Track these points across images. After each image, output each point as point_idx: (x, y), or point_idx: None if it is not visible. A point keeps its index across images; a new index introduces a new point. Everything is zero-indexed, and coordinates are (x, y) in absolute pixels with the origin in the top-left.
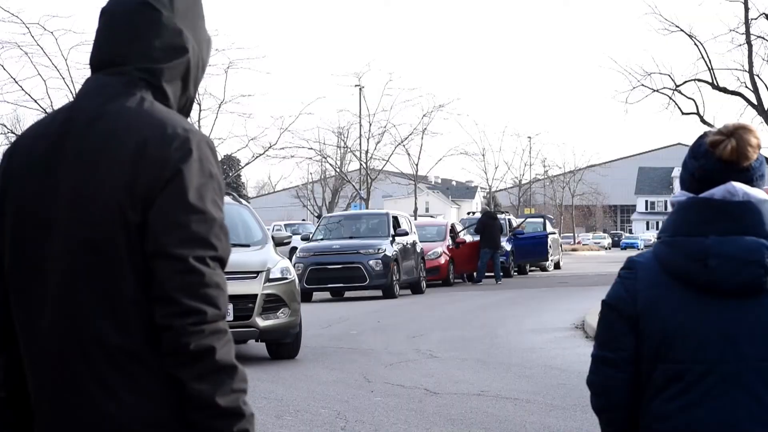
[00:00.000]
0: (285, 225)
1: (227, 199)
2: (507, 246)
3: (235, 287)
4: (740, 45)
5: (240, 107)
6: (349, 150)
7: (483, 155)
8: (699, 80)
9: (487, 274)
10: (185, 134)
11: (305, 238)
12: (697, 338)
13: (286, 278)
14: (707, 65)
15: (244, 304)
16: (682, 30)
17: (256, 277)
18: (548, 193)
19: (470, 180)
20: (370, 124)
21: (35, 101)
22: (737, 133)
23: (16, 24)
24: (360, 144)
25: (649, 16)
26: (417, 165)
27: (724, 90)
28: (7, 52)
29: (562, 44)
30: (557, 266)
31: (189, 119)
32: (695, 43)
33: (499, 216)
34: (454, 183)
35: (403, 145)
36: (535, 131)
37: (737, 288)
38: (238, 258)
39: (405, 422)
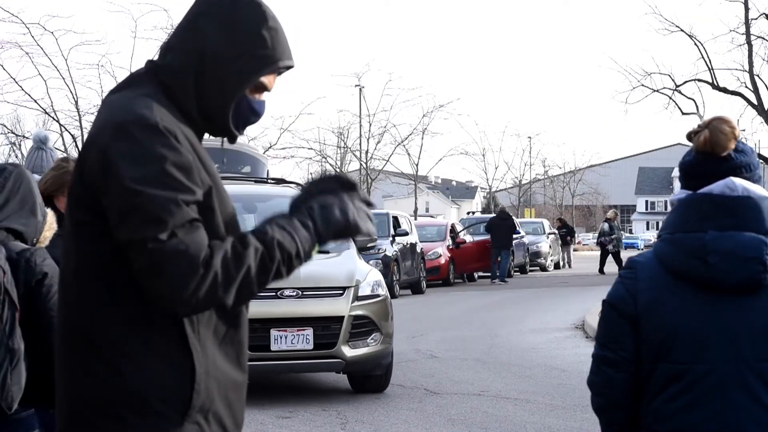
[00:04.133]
0: None
1: (295, 191)
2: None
3: (315, 307)
4: (740, 45)
5: None
6: (349, 150)
7: (483, 155)
8: (699, 80)
9: (482, 273)
10: (123, 118)
11: None
12: (697, 338)
13: (378, 295)
14: (707, 65)
15: (327, 328)
16: (682, 30)
17: (342, 294)
18: (548, 193)
19: (470, 180)
20: (370, 124)
21: (35, 101)
22: (711, 124)
23: (17, 24)
24: (360, 144)
25: (649, 16)
26: (417, 165)
27: (724, 90)
28: (7, 52)
29: (562, 44)
30: (557, 266)
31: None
32: (695, 43)
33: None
34: (454, 183)
35: (403, 145)
36: (535, 131)
37: (737, 284)
38: (316, 269)
39: (405, 422)
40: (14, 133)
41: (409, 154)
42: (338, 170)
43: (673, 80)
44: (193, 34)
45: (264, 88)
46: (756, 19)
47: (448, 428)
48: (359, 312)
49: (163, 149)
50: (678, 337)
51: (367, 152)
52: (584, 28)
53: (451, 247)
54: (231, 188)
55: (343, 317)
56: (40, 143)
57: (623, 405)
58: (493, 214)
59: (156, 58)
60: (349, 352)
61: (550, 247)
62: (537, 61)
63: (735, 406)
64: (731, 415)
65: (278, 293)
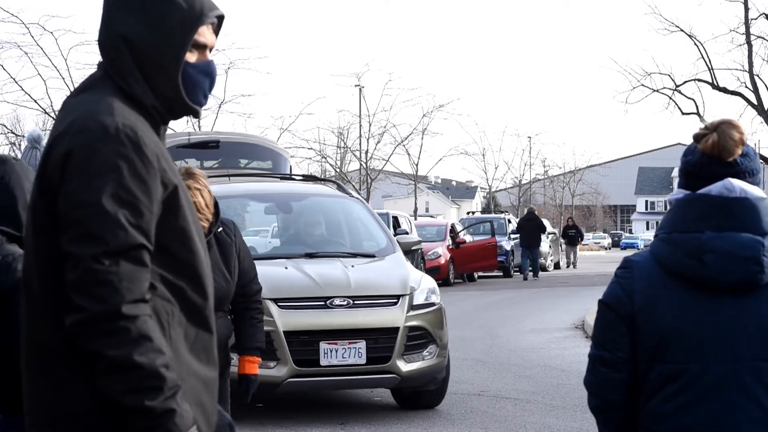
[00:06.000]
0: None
1: (329, 189)
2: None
3: (368, 317)
4: (740, 45)
5: (240, 107)
6: (349, 150)
7: (483, 155)
8: (699, 80)
9: (482, 273)
10: (86, 124)
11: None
12: (693, 338)
13: (433, 303)
14: (707, 65)
15: (380, 341)
16: (682, 30)
17: (396, 303)
18: (548, 193)
19: (470, 180)
20: (370, 124)
21: (35, 101)
22: (720, 128)
23: (16, 24)
24: (360, 144)
25: (649, 16)
26: (417, 165)
27: (724, 90)
28: (7, 52)
29: (562, 44)
30: (557, 266)
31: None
32: (695, 43)
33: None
34: (454, 183)
35: (403, 145)
36: (535, 131)
37: (733, 284)
38: (366, 276)
39: (405, 422)
40: (14, 133)
41: (409, 154)
42: (338, 170)
43: (673, 80)
44: (114, 28)
45: (204, 47)
46: (756, 19)
47: (448, 428)
48: (415, 323)
49: (122, 160)
50: (674, 337)
51: (367, 152)
52: (584, 28)
53: (451, 247)
54: (262, 186)
55: (397, 328)
56: (34, 142)
57: (620, 405)
58: (493, 214)
59: (102, 56)
60: (404, 366)
61: (549, 247)
62: (537, 61)
63: (732, 407)
64: (728, 416)
65: (328, 302)
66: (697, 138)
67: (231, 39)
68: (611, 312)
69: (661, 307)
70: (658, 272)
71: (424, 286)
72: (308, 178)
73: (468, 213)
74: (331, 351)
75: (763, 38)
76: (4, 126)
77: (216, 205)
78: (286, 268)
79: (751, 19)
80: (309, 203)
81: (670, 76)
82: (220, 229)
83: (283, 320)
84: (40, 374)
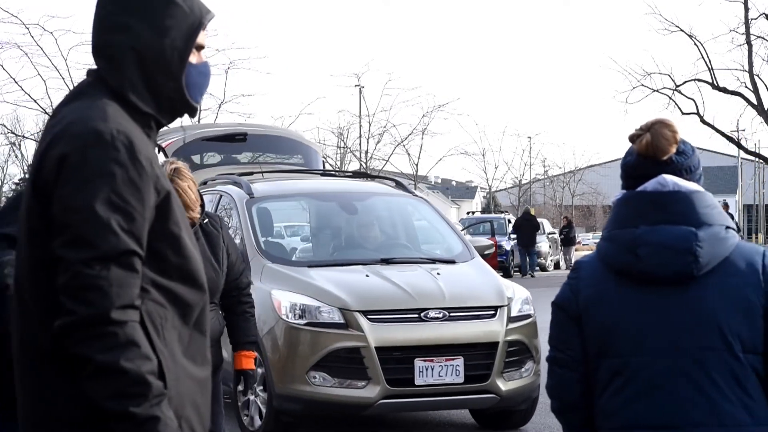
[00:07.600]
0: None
1: (390, 188)
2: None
3: (465, 331)
4: (740, 45)
5: (240, 107)
6: (349, 150)
7: (483, 155)
8: (699, 80)
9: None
10: (79, 130)
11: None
12: (635, 331)
13: (529, 315)
14: (707, 65)
15: (478, 357)
16: (682, 30)
17: (494, 315)
18: (548, 193)
19: (470, 180)
20: (370, 124)
21: (35, 101)
22: (653, 128)
23: (16, 24)
24: (360, 144)
25: (649, 16)
26: (417, 165)
27: (724, 90)
28: (7, 52)
29: (562, 44)
30: (557, 266)
31: (186, 119)
32: (695, 43)
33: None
34: (454, 183)
35: (403, 145)
36: (535, 131)
37: (669, 277)
38: (458, 285)
39: (404, 422)
40: (14, 133)
41: (409, 154)
42: (338, 170)
43: (673, 80)
44: (117, 35)
45: (201, 48)
46: (756, 19)
47: (447, 428)
48: (514, 336)
49: (116, 165)
50: (617, 332)
51: (366, 152)
52: (584, 28)
53: None
54: (320, 184)
55: (497, 343)
56: None
57: (577, 406)
58: (492, 214)
59: (95, 67)
60: (503, 385)
61: (549, 247)
62: (537, 61)
63: (676, 398)
64: (673, 406)
65: (422, 315)
66: (632, 139)
67: (231, 39)
68: (562, 313)
69: (603, 303)
70: (602, 271)
71: (518, 295)
72: (359, 174)
73: (468, 213)
74: (426, 369)
75: (763, 38)
76: (4, 126)
77: (201, 198)
78: (367, 275)
79: (751, 19)
80: (373, 203)
81: (670, 76)
82: (206, 220)
83: (374, 335)
84: (34, 376)
